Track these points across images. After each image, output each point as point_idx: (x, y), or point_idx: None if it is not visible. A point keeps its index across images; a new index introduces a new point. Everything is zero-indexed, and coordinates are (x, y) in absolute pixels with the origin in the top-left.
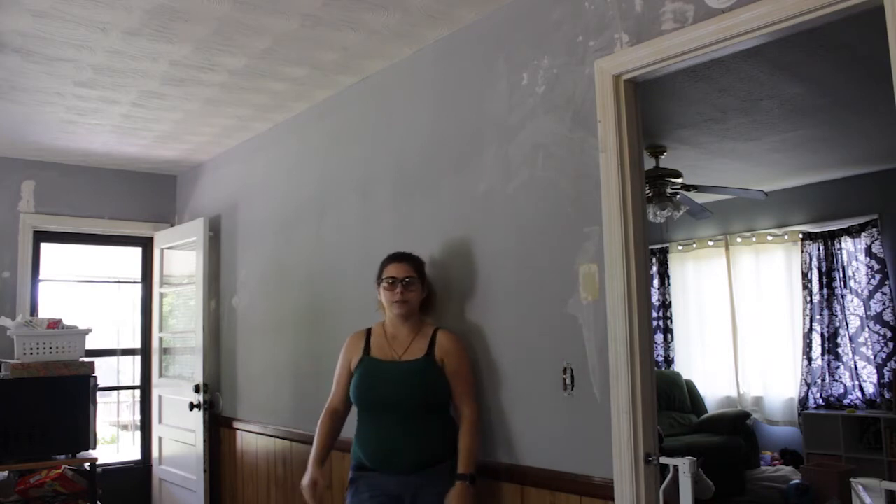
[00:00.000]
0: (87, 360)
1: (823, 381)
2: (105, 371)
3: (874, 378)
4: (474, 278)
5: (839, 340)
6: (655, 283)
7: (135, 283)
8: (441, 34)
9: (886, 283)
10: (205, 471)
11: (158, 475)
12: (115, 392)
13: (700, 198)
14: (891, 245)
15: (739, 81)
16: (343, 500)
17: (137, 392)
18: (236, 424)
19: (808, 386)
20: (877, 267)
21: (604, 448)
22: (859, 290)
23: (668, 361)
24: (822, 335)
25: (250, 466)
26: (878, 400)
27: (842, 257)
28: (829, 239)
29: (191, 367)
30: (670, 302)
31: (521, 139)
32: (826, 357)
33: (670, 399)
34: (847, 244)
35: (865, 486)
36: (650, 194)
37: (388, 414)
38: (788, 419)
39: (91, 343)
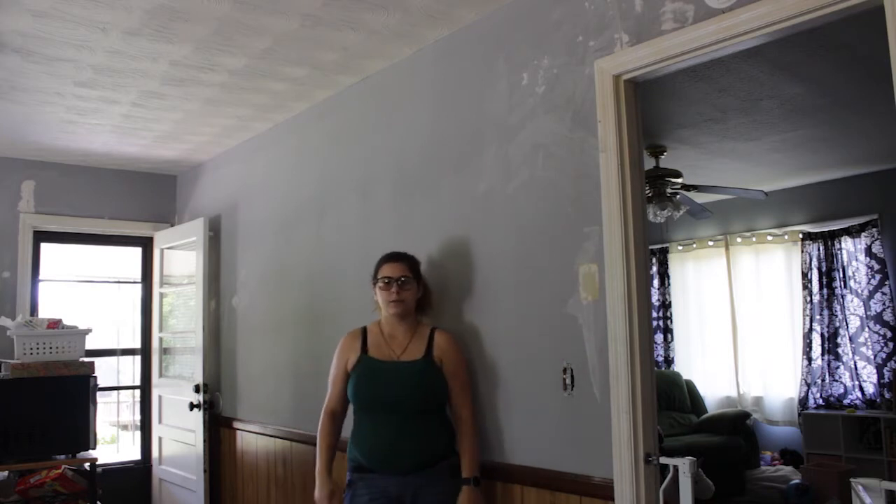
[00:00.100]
0: (87, 360)
1: (823, 381)
2: (105, 371)
3: (874, 378)
4: (474, 278)
5: (839, 340)
6: (655, 283)
7: (135, 283)
8: (441, 34)
9: (886, 283)
10: (205, 471)
11: (158, 475)
12: (115, 392)
13: (700, 198)
14: (891, 245)
15: (739, 81)
16: (341, 502)
17: (137, 392)
18: (236, 424)
19: (808, 386)
20: (877, 267)
21: (604, 448)
22: (859, 290)
23: (668, 361)
24: (822, 335)
25: (250, 466)
26: (878, 400)
27: (842, 257)
28: (829, 239)
29: (191, 367)
30: (670, 302)
31: (521, 139)
32: (826, 357)
33: (670, 399)
34: (847, 244)
35: (865, 486)
36: (650, 194)
37: (387, 414)
38: (788, 419)
39: (91, 343)
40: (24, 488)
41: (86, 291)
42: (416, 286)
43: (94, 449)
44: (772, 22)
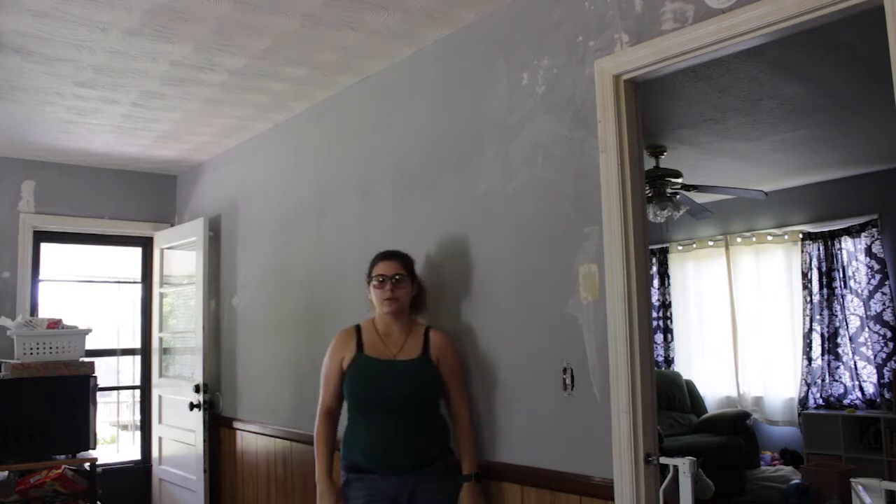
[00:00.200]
0: (87, 360)
1: (823, 381)
2: (105, 371)
3: (874, 378)
4: (474, 278)
5: (839, 340)
6: (655, 283)
7: (135, 283)
8: (441, 34)
9: (886, 283)
10: (205, 471)
11: (158, 475)
12: (115, 392)
13: (700, 198)
14: (891, 245)
15: (739, 81)
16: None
17: (137, 392)
18: (236, 424)
19: (808, 386)
20: (877, 267)
21: (604, 448)
22: (859, 290)
23: (668, 361)
24: (822, 335)
25: (250, 466)
26: (878, 400)
27: (842, 257)
28: (829, 239)
29: (191, 367)
30: (670, 302)
31: (521, 139)
32: (826, 357)
33: (670, 399)
34: (847, 244)
35: (865, 486)
36: (650, 194)
37: (384, 413)
38: (788, 419)
39: (91, 343)
40: (24, 488)
41: (86, 291)
42: (411, 284)
43: (94, 449)
44: (772, 22)
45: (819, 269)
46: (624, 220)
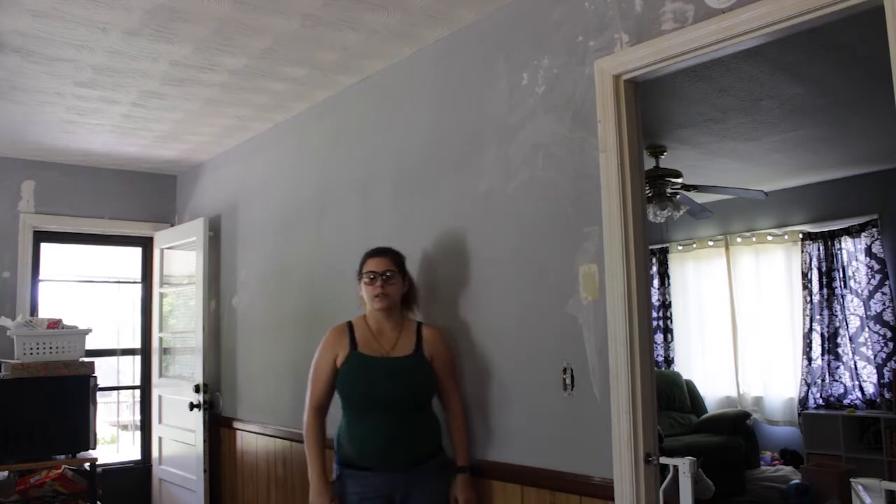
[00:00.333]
0: (87, 360)
1: (823, 381)
2: (105, 371)
3: (874, 378)
4: (474, 278)
5: (839, 340)
6: (655, 283)
7: (135, 283)
8: (441, 34)
9: (886, 283)
10: (205, 471)
11: (158, 475)
12: (115, 392)
13: (700, 198)
14: (891, 245)
15: (739, 81)
16: None
17: (137, 392)
18: (236, 424)
19: (808, 386)
20: (877, 267)
21: (604, 448)
22: (859, 290)
23: (668, 361)
24: (822, 335)
25: (250, 466)
26: (878, 400)
27: (842, 257)
28: (829, 239)
29: (191, 367)
30: (670, 302)
31: (521, 139)
32: (826, 357)
33: (670, 399)
34: (847, 244)
35: (865, 486)
36: (650, 194)
37: (380, 411)
38: (788, 419)
39: (91, 343)
40: (24, 488)
41: (86, 291)
42: (401, 281)
43: (94, 449)
44: (772, 22)
45: (819, 269)
46: (624, 220)
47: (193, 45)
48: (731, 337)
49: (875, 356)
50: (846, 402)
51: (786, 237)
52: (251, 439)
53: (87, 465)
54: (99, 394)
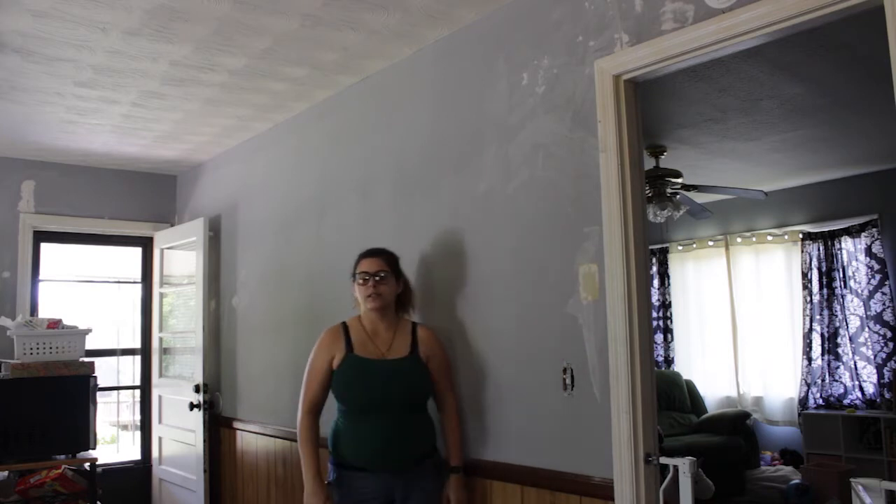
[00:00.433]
0: (87, 360)
1: (823, 381)
2: (105, 371)
3: (874, 378)
4: (474, 278)
5: (839, 340)
6: (655, 283)
7: (135, 283)
8: (441, 34)
9: (886, 283)
10: (205, 471)
11: (158, 475)
12: (115, 392)
13: (700, 198)
14: (891, 245)
15: (739, 81)
16: None
17: (137, 392)
18: (236, 424)
19: (808, 386)
20: (877, 267)
21: (604, 448)
22: (859, 290)
23: (668, 361)
24: (822, 335)
25: (250, 466)
26: (878, 400)
27: (842, 257)
28: (829, 239)
29: (191, 367)
30: (670, 302)
31: (521, 139)
32: (826, 357)
33: (670, 399)
34: (847, 244)
35: (865, 486)
36: (650, 194)
37: (376, 412)
38: (788, 419)
39: (91, 343)
40: (24, 488)
41: (86, 291)
42: (395, 281)
43: (94, 449)
44: (772, 22)
45: (819, 269)
46: (624, 220)
47: (193, 45)
48: (731, 337)
49: (875, 356)
50: (846, 402)
51: (786, 237)
52: (251, 439)
53: (87, 465)
54: (99, 394)
